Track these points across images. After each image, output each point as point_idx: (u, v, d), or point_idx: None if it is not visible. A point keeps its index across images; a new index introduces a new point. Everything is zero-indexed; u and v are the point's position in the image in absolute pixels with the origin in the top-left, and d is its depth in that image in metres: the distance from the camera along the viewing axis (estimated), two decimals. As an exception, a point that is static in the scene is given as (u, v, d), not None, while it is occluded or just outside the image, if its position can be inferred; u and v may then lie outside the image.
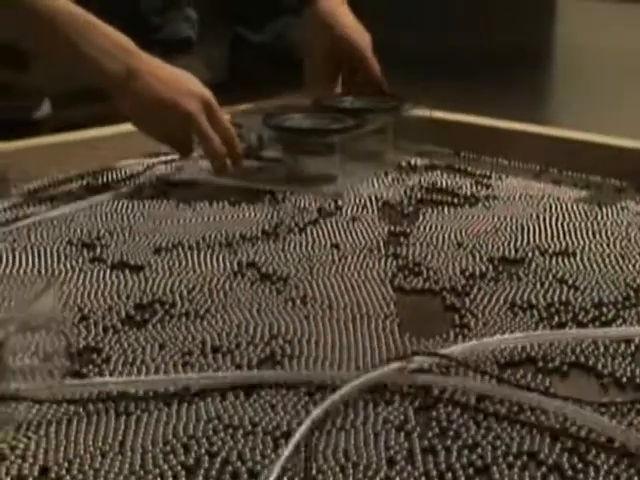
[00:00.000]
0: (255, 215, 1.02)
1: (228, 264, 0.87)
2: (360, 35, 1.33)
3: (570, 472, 0.55)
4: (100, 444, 0.58)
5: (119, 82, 1.02)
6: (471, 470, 0.56)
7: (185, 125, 1.05)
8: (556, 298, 0.80)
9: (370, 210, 1.04)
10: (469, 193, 1.09)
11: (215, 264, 0.87)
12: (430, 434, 0.59)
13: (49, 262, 0.87)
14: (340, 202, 1.05)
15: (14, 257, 0.88)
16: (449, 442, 0.58)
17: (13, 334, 0.61)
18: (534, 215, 1.01)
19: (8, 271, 0.85)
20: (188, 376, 0.66)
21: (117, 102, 1.05)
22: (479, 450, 0.57)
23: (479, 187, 1.12)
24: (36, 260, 0.88)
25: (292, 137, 1.14)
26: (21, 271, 0.85)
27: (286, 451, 0.55)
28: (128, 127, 1.13)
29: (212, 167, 1.09)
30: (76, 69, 1.03)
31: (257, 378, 0.65)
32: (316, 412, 0.59)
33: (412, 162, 1.22)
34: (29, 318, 0.63)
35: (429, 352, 0.68)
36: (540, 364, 0.68)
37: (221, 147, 1.07)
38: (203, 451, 0.57)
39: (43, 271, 0.85)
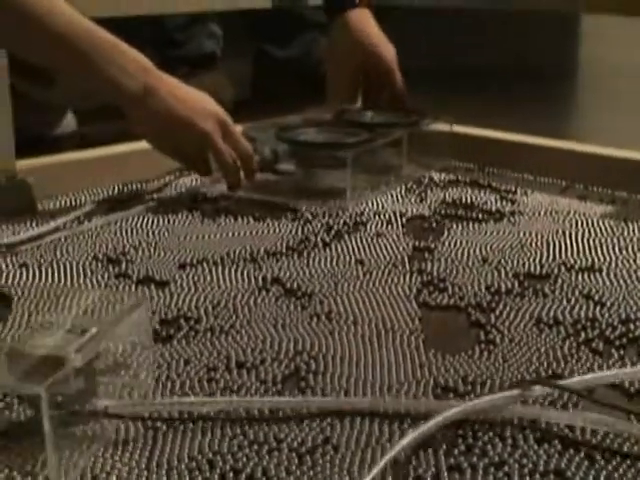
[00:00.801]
0: (280, 230, 1.02)
1: (253, 280, 0.87)
2: (387, 49, 1.34)
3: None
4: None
5: (136, 99, 1.02)
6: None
7: (201, 144, 1.06)
8: (582, 314, 0.79)
9: (395, 226, 1.04)
10: (494, 209, 1.09)
11: (240, 280, 0.88)
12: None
13: (75, 277, 0.88)
14: (365, 218, 1.05)
15: (40, 273, 0.89)
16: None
17: (104, 350, 0.61)
18: (560, 231, 1.01)
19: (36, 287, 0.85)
20: (261, 400, 0.66)
21: (132, 120, 1.05)
22: None
23: (504, 202, 1.12)
24: (62, 275, 0.88)
25: (305, 151, 1.14)
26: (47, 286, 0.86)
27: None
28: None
29: (226, 182, 1.10)
30: (92, 86, 1.04)
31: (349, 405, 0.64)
32: (409, 438, 0.58)
33: (436, 177, 1.22)
34: (119, 334, 0.63)
35: (551, 382, 0.66)
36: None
37: (235, 163, 1.08)
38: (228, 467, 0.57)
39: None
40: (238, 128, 1.10)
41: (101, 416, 0.60)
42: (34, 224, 1.03)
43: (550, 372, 0.69)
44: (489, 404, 0.62)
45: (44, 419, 0.52)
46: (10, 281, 0.86)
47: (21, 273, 0.88)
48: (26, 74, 1.50)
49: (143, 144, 1.21)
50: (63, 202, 1.11)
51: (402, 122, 1.23)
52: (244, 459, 0.58)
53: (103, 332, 0.59)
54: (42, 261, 0.92)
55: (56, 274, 0.88)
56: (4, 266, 0.90)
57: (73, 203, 1.11)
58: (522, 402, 0.63)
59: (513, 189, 1.17)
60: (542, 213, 1.07)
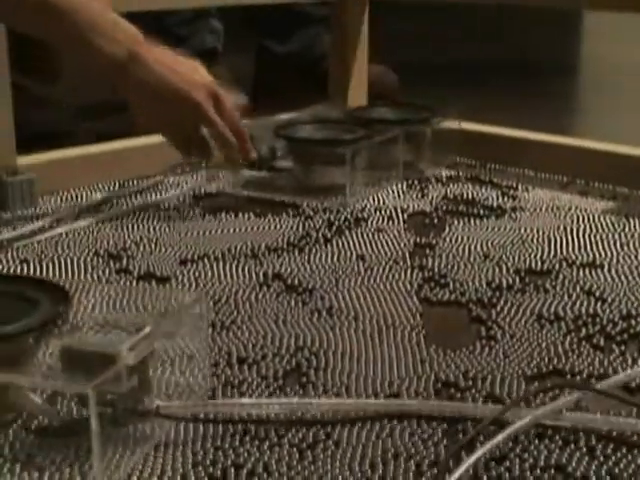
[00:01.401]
0: (281, 227, 1.02)
1: (254, 275, 0.87)
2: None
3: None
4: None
5: (120, 65, 0.96)
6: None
7: (194, 116, 1.01)
8: (583, 310, 0.79)
9: (396, 221, 1.04)
10: (495, 204, 1.09)
11: (241, 275, 0.88)
12: None
13: (76, 273, 0.88)
14: (365, 214, 1.05)
15: (41, 268, 0.89)
16: None
17: (158, 349, 0.60)
18: (561, 227, 1.01)
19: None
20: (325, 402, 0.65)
21: (119, 89, 0.99)
22: None
23: (505, 198, 1.12)
24: (63, 271, 0.88)
25: (303, 148, 1.14)
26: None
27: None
28: (154, 139, 1.14)
29: (224, 157, 1.05)
30: (77, 53, 0.99)
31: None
32: (484, 449, 0.57)
33: (437, 173, 1.22)
34: (176, 330, 0.62)
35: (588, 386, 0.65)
36: None
37: (231, 136, 1.03)
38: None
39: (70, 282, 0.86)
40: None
41: (152, 416, 0.59)
42: (35, 220, 1.03)
43: (551, 368, 0.69)
44: (549, 411, 0.61)
45: (91, 418, 0.51)
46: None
47: (22, 269, 0.89)
48: (28, 70, 1.50)
49: (145, 140, 1.21)
50: (64, 198, 1.11)
51: (413, 119, 1.24)
52: (245, 454, 0.58)
53: (158, 330, 0.58)
54: (43, 257, 0.92)
55: (57, 270, 0.89)
56: (5, 261, 0.90)
57: (74, 199, 1.11)
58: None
59: (514, 185, 1.17)
60: (543, 209, 1.07)
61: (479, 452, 0.56)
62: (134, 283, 0.85)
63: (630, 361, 0.70)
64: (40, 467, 0.56)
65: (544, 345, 0.73)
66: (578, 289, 0.84)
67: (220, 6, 1.68)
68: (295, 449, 0.58)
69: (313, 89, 1.86)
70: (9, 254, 0.92)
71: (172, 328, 0.61)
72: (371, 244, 0.96)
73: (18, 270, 0.88)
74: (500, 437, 0.58)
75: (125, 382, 0.55)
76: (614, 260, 0.91)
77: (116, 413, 0.58)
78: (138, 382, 0.57)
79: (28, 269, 0.88)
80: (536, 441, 0.59)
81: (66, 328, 0.61)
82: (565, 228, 1.00)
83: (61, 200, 1.10)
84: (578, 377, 0.68)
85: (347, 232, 1.00)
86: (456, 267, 0.89)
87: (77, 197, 1.11)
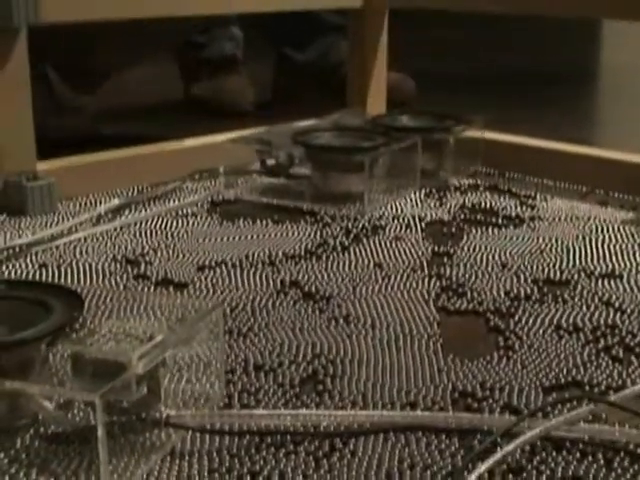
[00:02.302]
0: (298, 234, 1.02)
1: (271, 282, 0.87)
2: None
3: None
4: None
5: None
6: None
7: None
8: (602, 321, 0.79)
9: (414, 230, 1.03)
10: (514, 214, 1.08)
11: (258, 282, 0.88)
12: None
13: (94, 278, 0.88)
14: (383, 221, 1.05)
15: (59, 273, 0.89)
16: None
17: (173, 356, 0.60)
18: (580, 237, 1.00)
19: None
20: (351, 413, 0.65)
21: None
22: None
23: (524, 208, 1.11)
24: (81, 276, 0.88)
25: (322, 155, 1.14)
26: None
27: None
28: (172, 146, 1.14)
29: None
30: None
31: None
32: (496, 458, 0.57)
33: (456, 182, 1.22)
34: (190, 339, 0.62)
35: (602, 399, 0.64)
36: None
37: None
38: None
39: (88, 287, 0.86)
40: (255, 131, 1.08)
41: (162, 425, 0.59)
42: (54, 224, 1.03)
43: (570, 379, 0.68)
44: (564, 422, 0.61)
45: (98, 426, 0.51)
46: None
47: (40, 273, 0.89)
48: (69, 78, 1.52)
49: (163, 146, 1.22)
50: (83, 203, 1.12)
51: (434, 127, 1.24)
52: (261, 462, 0.58)
53: (170, 339, 0.58)
54: (61, 261, 0.92)
55: (75, 275, 0.89)
56: (24, 266, 0.91)
57: (93, 204, 1.11)
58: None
59: (533, 194, 1.17)
60: (562, 219, 1.07)
61: (490, 461, 0.56)
62: (152, 289, 0.86)
63: (649, 373, 0.69)
64: (55, 473, 0.56)
65: (562, 356, 0.72)
66: (597, 299, 0.83)
67: (239, 14, 1.69)
68: (311, 457, 0.58)
69: (331, 97, 1.86)
70: (28, 258, 0.93)
71: (187, 336, 0.61)
72: (389, 252, 0.96)
73: (37, 275, 0.88)
74: (511, 447, 0.57)
75: (134, 391, 0.55)
76: (633, 271, 0.90)
77: (126, 421, 0.57)
78: (148, 391, 0.57)
79: (47, 274, 0.89)
80: (553, 453, 0.59)
81: (80, 334, 0.61)
82: (584, 238, 1.00)
83: (80, 205, 1.11)
84: (596, 389, 0.67)
85: (365, 240, 0.99)
86: (474, 276, 0.89)
87: (96, 202, 1.12)
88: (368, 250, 0.97)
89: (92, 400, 0.51)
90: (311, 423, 0.62)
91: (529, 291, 0.85)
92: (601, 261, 0.93)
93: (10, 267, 0.90)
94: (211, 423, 0.61)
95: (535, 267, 0.91)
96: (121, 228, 1.03)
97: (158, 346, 0.57)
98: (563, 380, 0.68)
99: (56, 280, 0.87)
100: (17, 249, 0.95)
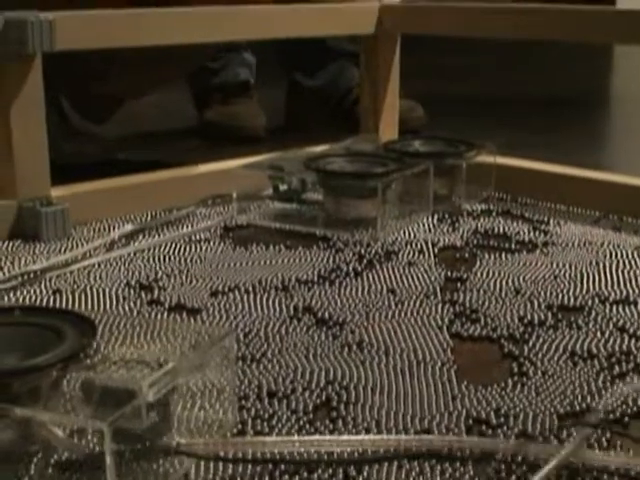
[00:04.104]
0: (311, 259, 1.02)
1: (284, 308, 0.87)
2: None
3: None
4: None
5: None
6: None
7: None
8: (617, 347, 0.79)
9: (427, 255, 1.03)
10: (527, 239, 1.08)
11: (271, 308, 0.88)
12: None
13: (107, 304, 0.88)
14: (396, 247, 1.05)
15: (73, 298, 0.89)
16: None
17: (183, 383, 0.60)
18: (593, 262, 1.00)
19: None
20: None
21: None
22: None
23: (537, 233, 1.11)
24: (95, 302, 0.89)
25: (334, 180, 1.14)
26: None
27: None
28: (185, 171, 1.15)
29: None
30: None
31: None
32: None
33: (469, 207, 1.22)
34: (203, 366, 0.62)
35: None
36: None
37: None
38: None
39: (101, 313, 0.86)
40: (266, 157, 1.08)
41: (172, 454, 0.59)
42: (68, 249, 1.03)
43: (584, 406, 0.68)
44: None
45: (106, 454, 0.51)
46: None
47: (54, 299, 0.89)
48: (80, 107, 1.54)
49: (176, 172, 1.22)
50: (97, 228, 1.12)
51: (447, 152, 1.24)
52: (275, 489, 0.58)
53: (182, 366, 0.58)
54: (75, 287, 0.92)
55: (89, 300, 0.89)
56: (38, 292, 0.91)
57: (106, 229, 1.12)
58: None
59: (546, 219, 1.16)
60: (576, 244, 1.07)
61: None
62: (165, 315, 0.86)
63: (665, 400, 0.69)
64: None
65: (577, 383, 0.72)
66: (611, 326, 0.83)
67: (251, 40, 1.70)
68: (325, 485, 0.58)
69: (341, 123, 1.87)
70: (42, 284, 0.93)
71: (199, 362, 0.61)
72: (402, 278, 0.96)
73: (51, 300, 0.89)
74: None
75: (145, 418, 0.55)
76: (648, 297, 0.90)
77: (137, 449, 0.57)
78: (159, 418, 0.57)
79: (61, 299, 0.89)
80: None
81: (93, 361, 0.61)
82: (598, 264, 1.00)
83: (94, 231, 1.11)
84: (611, 415, 0.67)
85: (378, 265, 0.99)
86: (487, 302, 0.89)
87: (109, 228, 1.12)
88: (381, 276, 0.96)
89: (101, 428, 0.51)
90: (324, 450, 0.61)
91: (543, 317, 0.85)
92: (615, 287, 0.93)
93: (25, 293, 0.91)
94: (223, 451, 0.61)
95: (549, 293, 0.91)
96: (135, 253, 1.03)
97: (169, 373, 0.57)
98: (578, 407, 0.68)
99: (70, 306, 0.87)
100: (32, 275, 0.95)
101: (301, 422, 0.66)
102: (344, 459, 0.61)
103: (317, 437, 0.63)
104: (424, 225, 1.15)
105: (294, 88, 2.02)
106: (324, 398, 0.69)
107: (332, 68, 1.96)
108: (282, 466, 0.60)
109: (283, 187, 1.15)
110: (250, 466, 0.60)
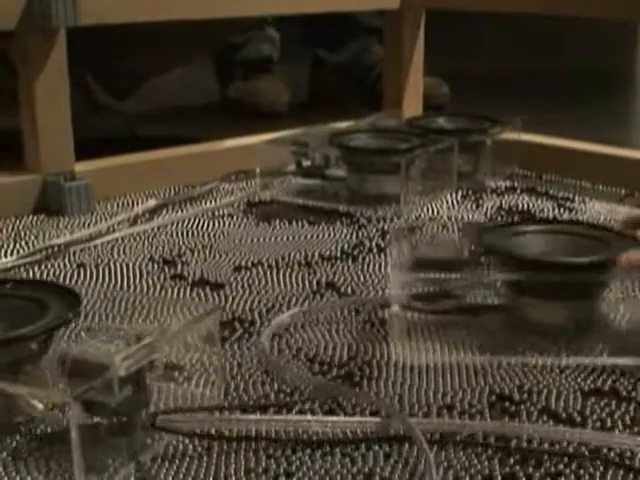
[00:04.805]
0: (334, 235, 1.02)
1: (307, 283, 0.87)
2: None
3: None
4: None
5: None
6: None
7: None
8: (642, 325, 0.78)
9: (450, 231, 1.03)
10: (551, 216, 1.08)
11: (294, 283, 0.88)
12: (511, 461, 0.58)
13: (131, 278, 0.89)
14: (419, 223, 1.05)
15: (97, 273, 0.90)
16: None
17: (164, 357, 0.60)
18: (618, 239, 0.99)
19: (93, 287, 0.86)
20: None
21: None
22: None
23: (562, 210, 1.10)
24: (118, 276, 0.89)
25: (358, 156, 1.14)
26: (105, 286, 0.86)
27: None
28: (209, 147, 1.15)
29: None
30: None
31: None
32: None
33: (493, 184, 1.21)
34: (184, 344, 0.62)
35: None
36: None
37: None
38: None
39: (125, 287, 0.86)
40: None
41: (147, 428, 0.59)
42: (91, 224, 1.04)
43: (609, 383, 0.68)
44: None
45: (71, 428, 0.51)
46: (67, 281, 0.87)
47: (78, 273, 0.90)
48: (105, 83, 1.54)
49: (200, 147, 1.22)
50: (120, 203, 1.12)
51: (471, 129, 1.23)
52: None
53: (159, 341, 0.58)
54: (99, 261, 0.93)
55: (112, 274, 0.89)
56: (62, 265, 0.91)
57: (130, 204, 1.12)
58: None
59: (571, 197, 1.16)
60: (600, 221, 1.06)
61: None
62: (188, 289, 0.86)
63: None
64: (33, 473, 0.56)
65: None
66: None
67: (276, 15, 1.69)
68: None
69: (364, 99, 1.86)
70: (66, 258, 0.93)
71: (179, 339, 0.61)
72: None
73: (75, 274, 0.89)
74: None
75: (116, 392, 0.55)
76: (673, 274, 0.89)
77: (112, 423, 0.57)
78: (135, 393, 0.56)
79: (84, 273, 0.89)
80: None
81: (76, 334, 0.61)
82: (623, 241, 0.99)
83: (117, 206, 1.12)
84: (633, 394, 0.66)
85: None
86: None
87: (133, 203, 1.13)
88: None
89: (67, 401, 0.51)
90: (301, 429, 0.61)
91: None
92: None
93: (49, 266, 0.91)
94: (202, 427, 0.61)
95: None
96: (158, 228, 1.03)
97: (145, 348, 0.57)
98: (602, 385, 0.68)
99: (94, 280, 0.88)
100: (55, 249, 0.95)
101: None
102: (322, 440, 0.61)
103: (296, 417, 0.63)
104: (447, 202, 1.14)
105: (318, 64, 2.01)
106: (346, 373, 0.69)
107: (356, 44, 1.95)
108: (262, 443, 0.60)
109: (306, 163, 1.14)
110: (240, 441, 0.60)
